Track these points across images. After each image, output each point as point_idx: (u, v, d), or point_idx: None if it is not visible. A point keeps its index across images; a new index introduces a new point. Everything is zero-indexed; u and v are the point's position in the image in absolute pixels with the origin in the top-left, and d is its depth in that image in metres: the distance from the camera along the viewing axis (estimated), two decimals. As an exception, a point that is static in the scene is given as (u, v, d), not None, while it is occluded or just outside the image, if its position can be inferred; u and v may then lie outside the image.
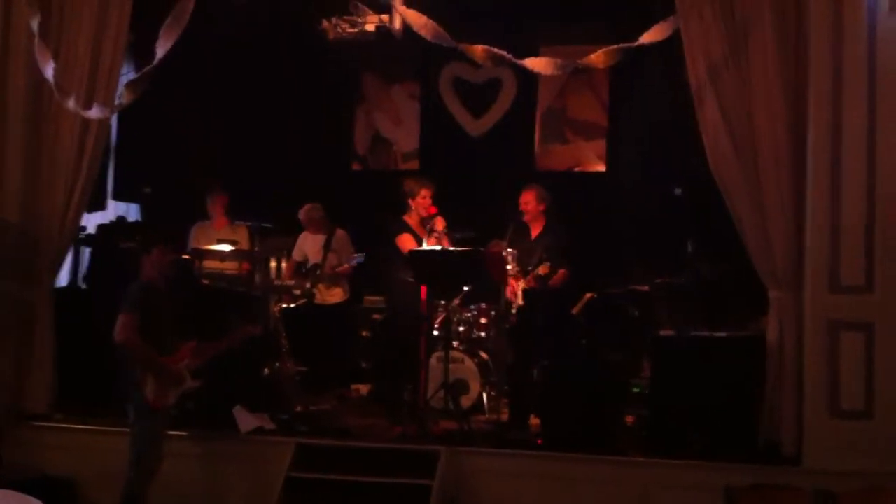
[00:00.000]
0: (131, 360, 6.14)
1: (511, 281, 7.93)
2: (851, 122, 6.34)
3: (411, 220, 7.90)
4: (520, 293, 7.97)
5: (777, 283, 6.55)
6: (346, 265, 9.07)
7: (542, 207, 8.10)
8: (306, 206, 9.38)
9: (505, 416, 7.71)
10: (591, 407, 6.80)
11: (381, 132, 11.51)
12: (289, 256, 9.05)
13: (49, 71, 6.79)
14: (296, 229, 9.38)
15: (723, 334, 6.88)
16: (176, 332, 6.40)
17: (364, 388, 9.21)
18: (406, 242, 7.77)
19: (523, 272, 7.90)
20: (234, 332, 6.78)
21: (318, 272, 8.95)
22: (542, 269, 7.74)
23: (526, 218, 8.13)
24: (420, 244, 7.72)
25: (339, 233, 9.16)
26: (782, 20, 6.53)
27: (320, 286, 9.03)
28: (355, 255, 9.07)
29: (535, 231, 8.17)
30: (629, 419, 7.37)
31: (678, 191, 8.99)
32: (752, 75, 6.57)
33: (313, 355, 8.65)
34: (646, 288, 8.47)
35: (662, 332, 7.28)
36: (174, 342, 6.36)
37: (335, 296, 9.29)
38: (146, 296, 6.23)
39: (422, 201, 7.77)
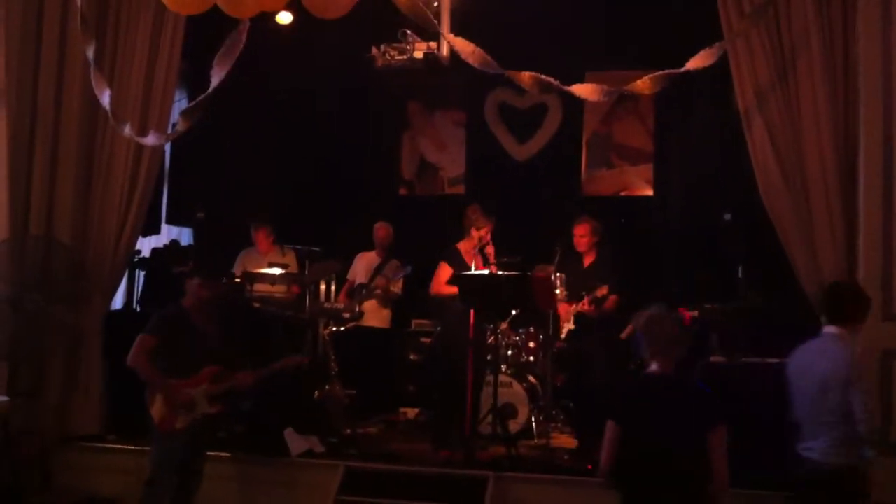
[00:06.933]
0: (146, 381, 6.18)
1: (562, 305, 7.95)
2: (903, 147, 6.27)
3: (464, 246, 7.93)
4: (571, 317, 7.99)
5: (828, 309, 6.46)
6: (397, 278, 9.18)
7: (595, 239, 8.18)
8: (382, 223, 9.51)
9: (554, 441, 7.68)
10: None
11: (426, 158, 11.60)
12: (337, 280, 9.11)
13: (106, 98, 6.88)
14: (346, 253, 9.46)
15: (774, 361, 6.79)
16: (219, 358, 6.35)
17: (411, 412, 9.21)
18: (443, 274, 7.80)
19: (575, 297, 7.91)
20: (281, 362, 6.72)
21: (364, 291, 9.04)
22: (599, 291, 7.77)
23: (580, 249, 8.20)
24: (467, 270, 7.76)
25: (394, 262, 9.33)
26: (830, 44, 6.50)
27: (370, 308, 9.10)
28: (402, 267, 9.16)
29: (588, 260, 8.22)
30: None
31: (727, 216, 8.93)
32: (800, 100, 6.54)
33: (361, 379, 8.67)
34: (695, 314, 8.40)
35: (713, 359, 7.21)
36: (203, 367, 6.29)
37: (384, 319, 9.37)
38: (174, 321, 6.25)
39: (485, 234, 7.83)
